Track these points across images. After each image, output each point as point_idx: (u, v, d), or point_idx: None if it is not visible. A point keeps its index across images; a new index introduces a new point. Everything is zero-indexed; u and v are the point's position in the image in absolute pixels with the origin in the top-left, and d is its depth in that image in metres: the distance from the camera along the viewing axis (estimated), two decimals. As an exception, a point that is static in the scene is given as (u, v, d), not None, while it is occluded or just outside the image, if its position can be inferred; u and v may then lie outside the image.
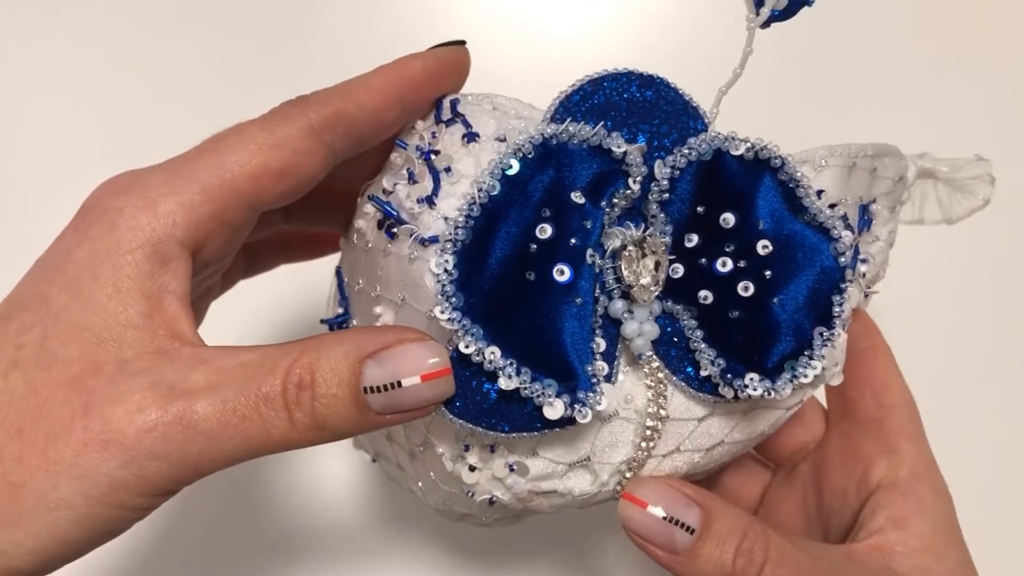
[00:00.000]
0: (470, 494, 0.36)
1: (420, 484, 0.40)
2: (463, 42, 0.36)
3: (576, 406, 0.32)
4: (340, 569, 0.56)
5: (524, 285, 0.32)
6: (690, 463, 0.37)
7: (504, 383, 0.31)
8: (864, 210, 0.39)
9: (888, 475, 0.39)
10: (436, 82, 0.35)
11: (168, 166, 0.33)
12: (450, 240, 0.32)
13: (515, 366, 0.32)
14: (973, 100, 0.64)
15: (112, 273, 0.30)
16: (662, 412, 0.36)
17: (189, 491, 0.55)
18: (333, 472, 0.57)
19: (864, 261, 0.39)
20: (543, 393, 0.32)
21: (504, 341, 0.32)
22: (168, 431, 0.28)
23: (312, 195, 0.36)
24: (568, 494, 0.37)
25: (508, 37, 0.62)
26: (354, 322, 0.40)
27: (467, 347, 0.31)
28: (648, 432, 0.36)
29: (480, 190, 0.32)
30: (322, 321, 0.42)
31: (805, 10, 0.36)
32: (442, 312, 0.31)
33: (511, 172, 0.32)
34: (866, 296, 0.40)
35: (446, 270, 0.32)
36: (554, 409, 0.32)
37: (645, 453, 0.36)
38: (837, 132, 0.41)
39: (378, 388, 0.30)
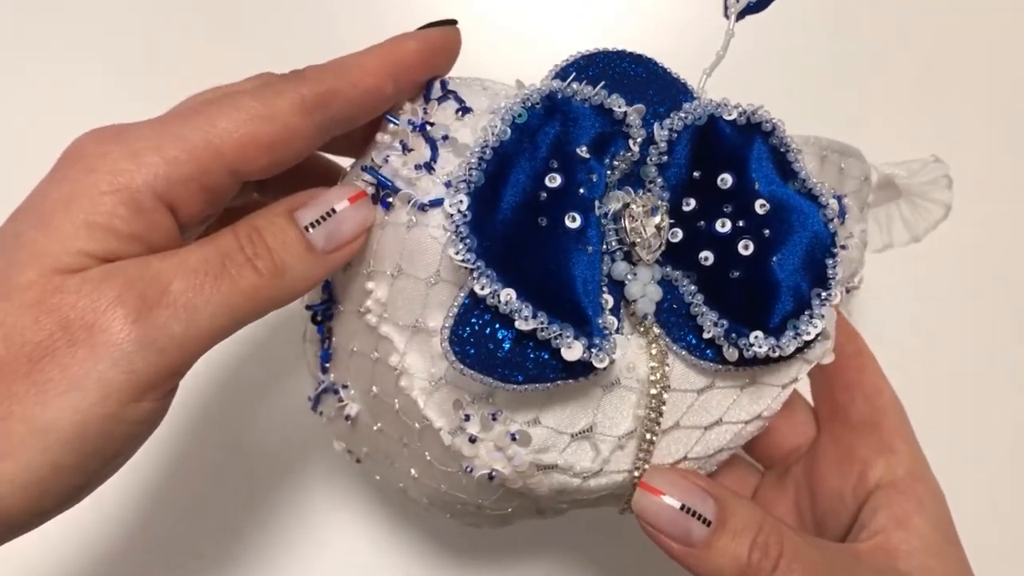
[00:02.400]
0: (469, 470, 0.35)
1: (413, 472, 0.38)
2: (455, 21, 0.37)
3: (593, 350, 0.31)
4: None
5: (536, 231, 0.32)
6: (687, 446, 0.37)
7: (521, 324, 0.31)
8: (838, 201, 0.40)
9: (886, 475, 0.39)
10: (429, 63, 0.36)
11: (156, 122, 0.32)
12: (464, 180, 0.31)
13: (531, 308, 0.31)
14: (954, 98, 0.66)
15: (87, 208, 0.29)
16: (665, 380, 0.35)
17: (170, 508, 0.53)
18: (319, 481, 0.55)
19: (844, 247, 0.40)
20: (561, 335, 0.31)
21: (518, 285, 0.31)
22: (150, 315, 0.28)
23: (288, 169, 0.36)
24: (569, 470, 0.35)
25: (494, 32, 0.64)
26: (340, 308, 0.39)
27: (482, 288, 0.31)
28: (652, 401, 0.35)
29: (493, 134, 0.32)
30: (307, 307, 0.40)
31: (778, 3, 0.38)
32: (456, 253, 0.31)
33: (520, 120, 0.32)
34: (847, 292, 0.41)
35: (460, 210, 0.31)
36: (573, 350, 0.31)
37: (652, 423, 0.35)
38: (816, 123, 0.43)
39: (316, 223, 0.33)
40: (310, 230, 0.33)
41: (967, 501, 0.43)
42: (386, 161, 0.35)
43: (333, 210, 0.33)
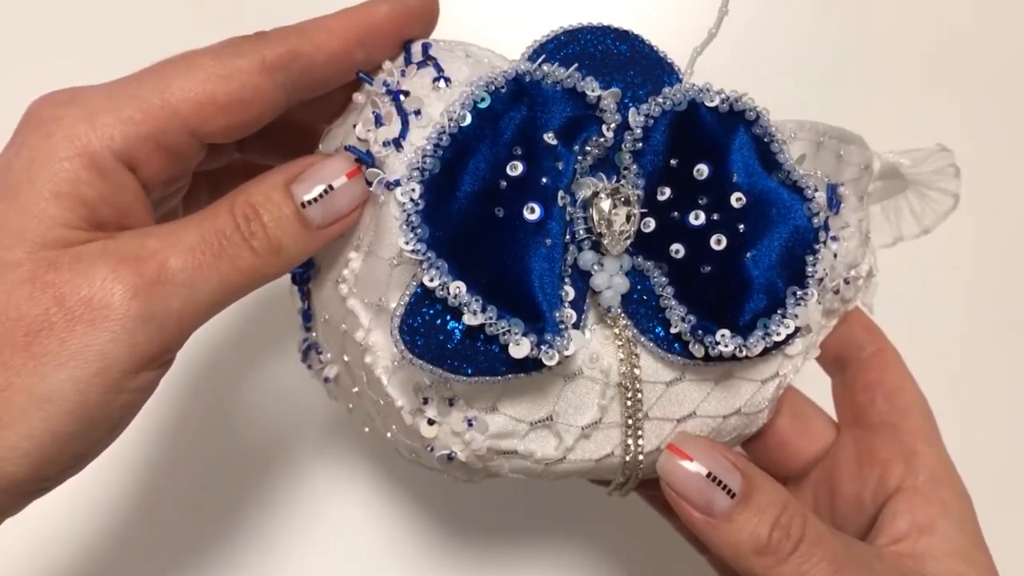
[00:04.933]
0: (429, 449, 0.35)
1: (389, 435, 0.38)
2: None
3: (543, 347, 0.31)
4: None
5: (493, 222, 0.31)
6: (660, 437, 0.36)
7: (469, 319, 0.30)
8: (833, 190, 0.38)
9: (907, 479, 0.38)
10: (400, 29, 0.35)
11: (112, 84, 0.32)
12: (417, 168, 0.31)
13: (480, 302, 0.30)
14: (956, 87, 0.63)
15: (50, 178, 0.30)
16: (635, 371, 0.35)
17: (178, 484, 0.54)
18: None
19: (835, 239, 0.38)
20: (509, 331, 0.30)
21: (470, 277, 0.31)
22: (150, 290, 0.29)
23: (265, 128, 0.35)
24: (530, 456, 0.35)
25: (492, 33, 0.62)
26: (320, 273, 0.38)
27: (431, 280, 0.30)
28: (627, 392, 0.34)
29: (450, 120, 0.31)
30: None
31: None
32: (407, 243, 0.30)
33: (483, 105, 0.31)
34: (847, 283, 0.39)
35: (412, 199, 0.30)
36: (520, 348, 0.30)
37: (633, 410, 0.35)
38: (811, 108, 0.41)
39: (312, 201, 0.32)
40: (307, 206, 0.32)
41: (993, 507, 0.41)
42: (361, 136, 0.35)
43: (331, 187, 0.33)
